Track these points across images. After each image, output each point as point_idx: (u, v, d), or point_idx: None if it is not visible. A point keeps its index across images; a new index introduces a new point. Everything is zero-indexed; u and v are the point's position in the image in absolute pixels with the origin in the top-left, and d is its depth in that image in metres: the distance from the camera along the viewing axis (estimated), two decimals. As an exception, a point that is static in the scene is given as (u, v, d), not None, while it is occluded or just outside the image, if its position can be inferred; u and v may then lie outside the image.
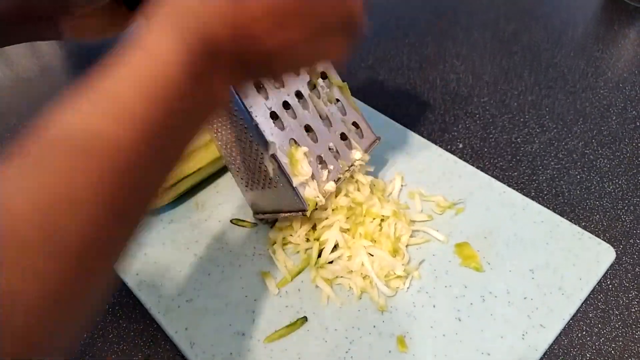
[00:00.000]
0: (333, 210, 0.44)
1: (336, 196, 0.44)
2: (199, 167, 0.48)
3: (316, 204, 0.41)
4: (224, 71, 0.26)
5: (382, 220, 0.44)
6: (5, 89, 0.67)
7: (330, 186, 0.42)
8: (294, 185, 0.39)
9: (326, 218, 0.44)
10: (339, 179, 0.43)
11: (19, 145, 0.21)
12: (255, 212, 0.46)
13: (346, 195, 0.45)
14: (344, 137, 0.44)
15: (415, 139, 0.54)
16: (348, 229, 0.44)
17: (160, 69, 0.23)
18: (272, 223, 0.46)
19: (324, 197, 0.41)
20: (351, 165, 0.44)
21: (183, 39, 0.24)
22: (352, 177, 0.45)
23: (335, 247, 0.43)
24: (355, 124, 0.46)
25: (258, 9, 0.24)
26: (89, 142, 0.21)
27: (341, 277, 0.42)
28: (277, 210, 0.43)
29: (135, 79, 0.23)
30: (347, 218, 0.44)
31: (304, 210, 0.40)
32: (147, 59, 0.23)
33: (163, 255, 0.44)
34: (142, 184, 0.24)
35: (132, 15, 0.38)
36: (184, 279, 0.43)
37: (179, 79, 0.23)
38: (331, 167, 0.42)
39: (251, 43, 0.25)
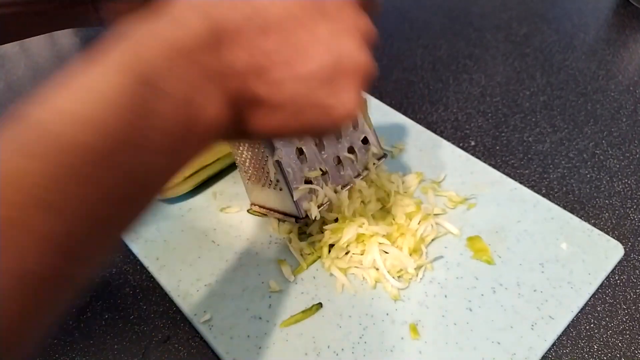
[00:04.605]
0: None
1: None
2: (218, 157, 0.49)
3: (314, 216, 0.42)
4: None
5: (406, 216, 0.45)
6: (26, 79, 0.68)
7: (328, 201, 0.43)
8: (295, 199, 0.40)
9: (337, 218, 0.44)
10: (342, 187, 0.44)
11: None
12: (253, 204, 0.47)
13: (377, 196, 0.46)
14: (351, 150, 0.45)
15: (428, 135, 0.55)
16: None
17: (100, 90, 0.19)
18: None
19: (318, 208, 0.42)
20: (357, 176, 0.45)
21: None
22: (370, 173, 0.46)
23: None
24: (365, 139, 0.46)
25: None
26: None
27: (355, 267, 0.43)
28: (274, 209, 0.44)
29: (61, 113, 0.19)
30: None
31: (298, 218, 0.42)
32: (83, 86, 0.20)
33: (182, 242, 0.46)
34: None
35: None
36: (203, 265, 0.44)
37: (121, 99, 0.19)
38: (332, 183, 0.43)
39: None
